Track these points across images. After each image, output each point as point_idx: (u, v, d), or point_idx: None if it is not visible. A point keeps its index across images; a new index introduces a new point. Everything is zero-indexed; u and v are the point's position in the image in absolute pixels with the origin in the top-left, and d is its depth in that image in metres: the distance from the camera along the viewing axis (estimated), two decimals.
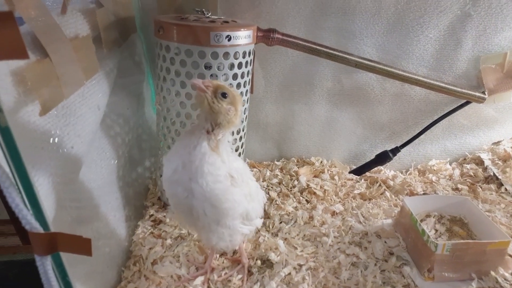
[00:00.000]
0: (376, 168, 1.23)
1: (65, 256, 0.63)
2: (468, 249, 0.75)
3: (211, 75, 0.85)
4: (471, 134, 1.24)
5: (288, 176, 1.16)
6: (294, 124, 1.23)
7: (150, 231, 0.94)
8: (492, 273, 0.76)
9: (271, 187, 1.10)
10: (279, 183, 1.12)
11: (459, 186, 1.10)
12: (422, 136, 1.21)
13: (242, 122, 0.96)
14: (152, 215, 0.98)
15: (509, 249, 0.82)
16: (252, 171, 1.18)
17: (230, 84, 0.88)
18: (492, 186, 1.07)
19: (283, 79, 1.15)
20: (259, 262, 0.86)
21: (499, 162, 1.14)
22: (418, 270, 0.80)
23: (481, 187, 1.08)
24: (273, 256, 0.86)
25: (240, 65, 0.88)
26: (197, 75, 0.84)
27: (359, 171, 1.22)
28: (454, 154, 1.25)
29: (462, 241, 0.76)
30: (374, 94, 1.16)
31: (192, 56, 0.83)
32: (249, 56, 0.90)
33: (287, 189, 1.09)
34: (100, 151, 0.85)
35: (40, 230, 0.55)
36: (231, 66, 0.86)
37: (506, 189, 1.05)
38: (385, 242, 0.88)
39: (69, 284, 0.65)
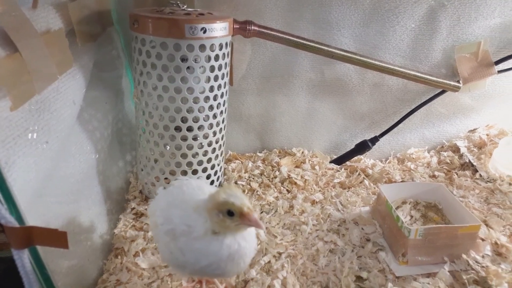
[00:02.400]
0: (356, 158, 1.25)
1: (45, 251, 0.64)
2: (440, 234, 0.78)
3: (188, 68, 0.86)
4: (449, 122, 1.26)
5: (270, 167, 1.17)
6: (275, 115, 1.24)
7: (131, 224, 0.95)
8: (464, 256, 0.79)
9: (253, 178, 1.11)
10: (261, 174, 1.14)
11: (436, 173, 1.13)
12: (401, 125, 1.24)
13: (222, 113, 0.97)
14: (133, 208, 0.99)
15: (480, 233, 0.85)
16: (235, 163, 1.19)
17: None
18: (467, 173, 1.10)
19: (263, 71, 1.16)
20: None
21: (475, 149, 1.17)
22: (393, 255, 0.82)
23: (457, 174, 1.10)
24: None
25: (217, 57, 0.88)
26: (173, 68, 0.85)
27: (339, 160, 1.24)
28: (432, 142, 1.28)
29: (434, 225, 0.78)
30: (353, 84, 1.18)
31: (168, 49, 0.83)
32: (226, 48, 0.91)
33: (269, 179, 1.11)
34: (78, 146, 0.85)
35: (15, 224, 0.56)
36: (208, 59, 0.87)
37: (480, 175, 1.08)
38: (362, 229, 0.90)
39: (47, 277, 0.66)
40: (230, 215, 0.59)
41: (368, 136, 1.23)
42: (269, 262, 0.84)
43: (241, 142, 1.27)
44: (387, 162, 1.24)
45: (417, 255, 0.79)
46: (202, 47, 0.85)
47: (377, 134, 1.21)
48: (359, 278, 0.79)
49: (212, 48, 0.87)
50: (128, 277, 0.82)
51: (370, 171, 1.16)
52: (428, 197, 0.94)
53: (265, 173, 1.13)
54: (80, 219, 0.83)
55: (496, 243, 0.83)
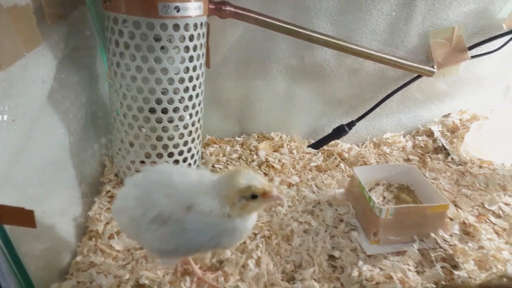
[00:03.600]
0: (333, 142, 1.26)
1: (16, 233, 0.63)
2: (410, 213, 0.80)
3: (162, 48, 0.85)
4: (424, 107, 1.28)
5: (248, 151, 1.17)
6: (254, 100, 1.24)
7: (107, 207, 0.94)
8: (432, 234, 0.81)
9: (230, 162, 1.11)
10: (239, 158, 1.14)
11: (410, 157, 1.15)
12: (377, 111, 1.25)
13: (198, 96, 0.96)
14: (109, 191, 0.98)
15: (449, 213, 0.88)
16: (213, 147, 1.19)
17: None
18: (440, 156, 1.13)
19: (241, 55, 1.15)
20: None
21: (448, 133, 1.19)
22: (365, 234, 0.84)
23: (430, 157, 1.13)
24: None
25: (191, 38, 0.87)
26: (146, 48, 0.83)
27: (317, 145, 1.25)
28: (408, 127, 1.30)
29: (404, 205, 0.80)
30: (330, 69, 1.18)
31: (140, 28, 0.82)
32: (201, 28, 0.89)
33: (246, 163, 1.11)
34: (49, 127, 0.84)
35: None
36: (182, 39, 0.86)
37: (452, 159, 1.10)
38: (336, 210, 0.92)
39: (16, 257, 0.65)
40: (254, 198, 0.62)
41: (345, 121, 1.24)
42: (244, 242, 0.85)
43: (220, 127, 1.27)
44: (363, 146, 1.25)
45: (388, 234, 0.81)
46: (176, 27, 0.84)
47: (354, 119, 1.22)
48: (331, 257, 0.81)
49: (186, 28, 0.85)
50: (102, 259, 0.81)
51: (346, 155, 1.18)
52: (400, 179, 0.96)
53: (243, 157, 1.14)
54: (52, 202, 0.82)
55: (464, 222, 0.85)
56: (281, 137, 1.25)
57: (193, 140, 0.99)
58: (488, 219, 0.87)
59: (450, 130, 1.20)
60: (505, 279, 0.73)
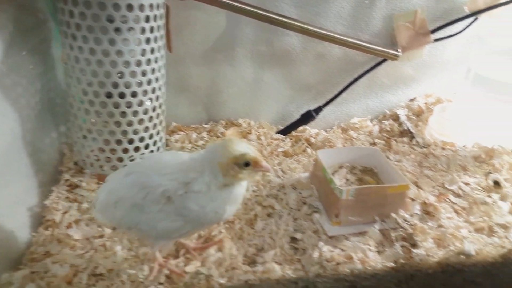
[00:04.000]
0: (302, 128, 1.25)
1: None
2: (370, 194, 0.80)
3: (116, 29, 0.82)
4: (391, 92, 1.29)
5: (215, 137, 1.15)
6: (221, 86, 1.22)
7: (65, 195, 0.91)
8: (393, 214, 0.81)
9: (196, 149, 1.09)
10: (205, 145, 1.12)
11: (376, 141, 1.15)
12: (345, 96, 1.25)
13: (158, 80, 0.93)
14: (67, 180, 0.94)
15: (410, 193, 0.88)
16: (179, 134, 1.17)
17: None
18: (405, 139, 1.14)
19: (205, 39, 1.13)
20: None
21: (413, 117, 1.20)
22: (327, 216, 0.84)
23: (395, 141, 1.14)
24: None
25: (147, 19, 0.85)
26: (99, 29, 0.80)
27: (285, 131, 1.24)
28: (375, 111, 1.30)
29: (364, 186, 0.80)
30: (296, 54, 1.17)
31: (92, 8, 0.79)
32: (157, 9, 0.87)
33: None
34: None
35: None
36: (137, 19, 0.83)
37: (417, 141, 1.11)
38: (300, 193, 0.91)
39: None
40: (246, 166, 0.65)
41: (314, 106, 1.24)
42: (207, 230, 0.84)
43: (187, 114, 1.24)
44: (331, 131, 1.25)
45: (349, 215, 0.81)
46: (130, 7, 0.81)
47: (321, 104, 1.22)
48: (293, 239, 0.80)
49: (141, 8, 0.83)
50: (59, 249, 0.79)
51: (313, 140, 1.17)
52: (364, 161, 0.96)
53: (209, 144, 1.12)
54: (5, 192, 0.79)
55: (425, 202, 0.86)
56: (249, 123, 1.24)
57: (154, 126, 0.97)
58: (448, 198, 0.88)
59: (415, 114, 1.21)
60: (462, 256, 0.74)
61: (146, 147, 0.96)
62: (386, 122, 1.23)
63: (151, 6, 0.84)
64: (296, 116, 1.25)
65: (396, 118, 1.24)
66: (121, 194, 0.69)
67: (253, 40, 1.14)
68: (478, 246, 0.76)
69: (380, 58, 1.18)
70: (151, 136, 0.97)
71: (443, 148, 1.06)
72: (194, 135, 1.15)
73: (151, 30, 0.87)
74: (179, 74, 1.17)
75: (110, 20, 0.80)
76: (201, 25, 1.10)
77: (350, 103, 1.29)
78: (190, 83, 1.20)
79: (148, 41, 0.87)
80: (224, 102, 1.24)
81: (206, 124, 1.24)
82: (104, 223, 0.82)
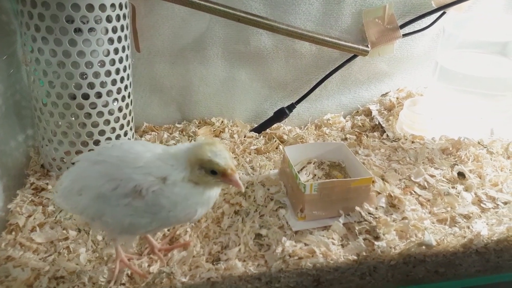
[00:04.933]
0: (276, 125, 1.26)
1: None
2: (334, 188, 0.80)
3: (76, 30, 0.81)
4: (364, 87, 1.30)
5: (187, 137, 1.15)
6: (194, 86, 1.21)
7: (30, 199, 0.90)
8: (357, 208, 0.82)
9: None
10: (176, 144, 1.11)
11: (348, 136, 1.16)
12: (319, 93, 1.26)
13: (123, 80, 0.93)
14: (33, 183, 0.94)
15: (376, 186, 0.89)
16: (150, 134, 1.16)
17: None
18: (376, 134, 1.14)
19: (174, 38, 1.12)
20: None
21: (385, 112, 1.21)
22: (293, 211, 0.84)
23: (366, 135, 1.14)
24: None
25: (109, 19, 0.84)
26: (59, 30, 0.80)
27: (259, 129, 1.24)
28: (348, 107, 1.31)
29: (327, 180, 0.80)
30: (267, 52, 1.18)
31: (50, 8, 0.78)
32: (120, 9, 0.87)
33: None
34: None
35: None
36: (98, 20, 0.82)
37: (387, 136, 1.12)
38: (268, 189, 0.91)
39: None
40: (213, 174, 0.63)
41: (288, 103, 1.24)
42: (173, 228, 0.83)
43: (160, 114, 1.24)
44: (305, 128, 1.26)
45: (313, 210, 0.81)
46: (90, 7, 0.80)
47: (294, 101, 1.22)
48: (259, 236, 0.80)
49: (102, 8, 0.82)
50: (21, 253, 0.78)
51: (286, 137, 1.18)
52: (332, 156, 0.97)
53: (180, 143, 1.11)
54: None
55: (390, 195, 0.87)
56: (222, 122, 1.24)
57: (121, 126, 0.96)
58: (413, 190, 0.89)
59: (387, 109, 1.22)
60: (423, 247, 0.75)
61: None
62: (359, 118, 1.24)
63: (113, 6, 0.84)
64: (271, 114, 1.26)
65: (368, 113, 1.25)
66: (87, 182, 0.67)
67: (224, 39, 1.14)
68: (440, 236, 0.77)
69: (351, 54, 1.18)
70: (118, 137, 0.96)
71: (412, 142, 1.07)
72: (165, 135, 1.14)
73: (114, 30, 0.86)
74: (150, 74, 1.17)
75: (70, 20, 0.80)
76: (170, 24, 1.10)
77: (324, 99, 1.29)
78: (162, 83, 1.19)
79: (111, 41, 0.86)
80: (197, 101, 1.24)
81: (179, 123, 1.24)
82: (65, 209, 0.81)
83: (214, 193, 0.68)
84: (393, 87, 1.31)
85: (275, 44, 1.17)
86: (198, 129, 1.19)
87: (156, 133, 1.17)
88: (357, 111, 1.29)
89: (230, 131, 1.21)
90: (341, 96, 1.30)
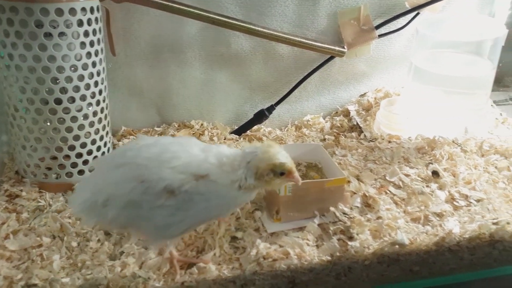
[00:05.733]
0: (256, 127, 1.26)
1: None
2: (308, 189, 0.80)
3: (46, 34, 0.80)
4: (343, 88, 1.30)
5: None
6: (173, 88, 1.21)
7: (4, 206, 0.89)
8: (332, 208, 0.82)
9: None
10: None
11: (327, 136, 1.17)
12: (298, 94, 1.26)
13: (98, 84, 0.92)
14: (7, 190, 0.92)
15: (352, 186, 0.90)
16: (128, 138, 1.16)
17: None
18: (354, 134, 1.15)
19: (150, 41, 1.12)
20: None
21: (363, 112, 1.22)
22: (269, 213, 0.84)
23: (345, 136, 1.15)
24: None
25: (80, 23, 0.83)
26: (28, 35, 0.79)
27: (239, 131, 1.24)
28: (328, 108, 1.32)
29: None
30: (245, 54, 1.18)
31: (19, 13, 0.77)
32: (92, 13, 0.86)
33: None
34: None
35: None
36: (69, 24, 0.82)
37: (365, 136, 1.13)
38: None
39: None
40: (281, 175, 0.67)
41: (268, 105, 1.24)
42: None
43: (139, 117, 1.23)
44: (285, 129, 1.26)
45: (289, 211, 0.82)
46: (59, 12, 0.80)
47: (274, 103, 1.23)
48: (234, 239, 0.80)
49: (72, 12, 0.81)
50: None
51: (265, 139, 1.18)
52: (309, 157, 0.97)
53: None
54: None
55: (365, 195, 0.87)
56: (202, 124, 1.24)
57: (97, 131, 0.95)
58: (388, 190, 0.90)
59: (365, 109, 1.23)
60: (397, 246, 0.76)
61: (89, 152, 0.95)
62: (337, 118, 1.25)
63: (83, 10, 0.83)
64: (251, 115, 1.26)
65: (347, 114, 1.26)
66: (112, 190, 0.64)
67: (201, 42, 1.14)
68: (413, 235, 0.78)
69: (328, 56, 1.19)
70: (93, 142, 0.95)
71: (389, 141, 1.08)
72: None
73: (86, 34, 0.85)
74: (128, 77, 1.16)
75: (39, 25, 0.79)
76: (147, 27, 1.10)
77: (304, 101, 1.30)
78: (141, 86, 1.19)
79: (83, 45, 0.85)
80: (176, 104, 1.24)
81: (158, 127, 1.23)
82: (89, 224, 0.77)
83: (250, 197, 0.70)
84: (371, 88, 1.32)
85: (253, 46, 1.17)
86: (177, 132, 1.19)
87: (134, 137, 1.16)
88: (336, 112, 1.30)
89: (210, 133, 1.21)
90: (321, 97, 1.31)
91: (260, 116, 1.23)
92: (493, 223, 0.79)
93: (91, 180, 0.69)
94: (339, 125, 1.21)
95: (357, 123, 1.19)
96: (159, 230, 0.66)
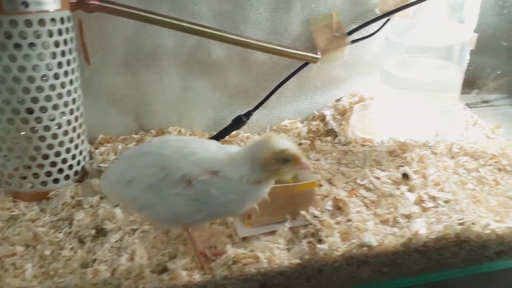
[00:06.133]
0: (235, 133, 1.27)
1: None
2: (278, 193, 0.81)
3: (16, 45, 0.81)
4: (319, 93, 1.32)
5: None
6: (150, 96, 1.21)
7: None
8: (302, 212, 0.84)
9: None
10: None
11: (303, 141, 1.18)
12: (276, 100, 1.28)
13: (70, 93, 0.93)
14: None
15: (323, 190, 0.91)
16: (105, 146, 1.16)
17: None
18: (329, 138, 1.17)
19: (125, 49, 1.13)
20: (93, 231, 0.86)
21: (338, 116, 1.24)
22: (241, 218, 0.85)
23: (320, 140, 1.17)
24: (108, 225, 0.86)
25: (50, 33, 0.84)
26: None
27: (218, 137, 1.25)
28: (305, 113, 1.33)
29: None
30: (220, 60, 1.19)
31: None
32: (62, 23, 0.87)
33: None
34: None
35: None
36: (38, 35, 0.82)
37: (340, 140, 1.15)
38: None
39: None
40: (286, 162, 0.68)
41: (246, 111, 1.25)
42: (121, 239, 0.83)
43: (117, 125, 1.23)
44: (263, 134, 1.27)
45: (261, 216, 0.82)
46: (28, 23, 0.80)
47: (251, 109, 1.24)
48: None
49: (41, 23, 0.82)
50: None
51: (243, 144, 1.19)
52: None
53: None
54: None
55: (336, 198, 0.89)
56: (179, 131, 1.25)
57: (71, 139, 0.96)
58: (358, 193, 0.91)
59: (340, 113, 1.25)
60: (365, 248, 0.77)
61: (64, 161, 0.96)
62: (314, 123, 1.26)
63: (53, 20, 0.84)
64: (230, 121, 1.27)
65: (323, 118, 1.28)
66: (136, 173, 0.71)
67: (176, 49, 1.15)
68: (381, 237, 0.79)
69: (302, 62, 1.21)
70: (68, 150, 0.96)
71: (362, 145, 1.10)
72: (120, 146, 1.14)
73: (57, 44, 0.86)
74: (106, 86, 1.17)
75: (9, 36, 0.80)
76: (122, 36, 1.10)
77: (282, 106, 1.32)
78: (119, 94, 1.19)
79: (54, 55, 0.86)
80: (155, 111, 1.24)
81: (136, 134, 1.24)
82: (113, 198, 0.86)
83: (265, 190, 0.73)
84: (347, 92, 1.34)
85: (229, 53, 1.18)
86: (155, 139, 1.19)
87: (112, 145, 1.16)
88: (313, 117, 1.32)
89: None
90: (298, 102, 1.32)
91: (238, 122, 1.24)
92: (459, 224, 0.80)
93: (120, 162, 0.77)
94: (315, 129, 1.23)
95: (333, 128, 1.21)
96: (174, 217, 0.71)
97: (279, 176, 0.72)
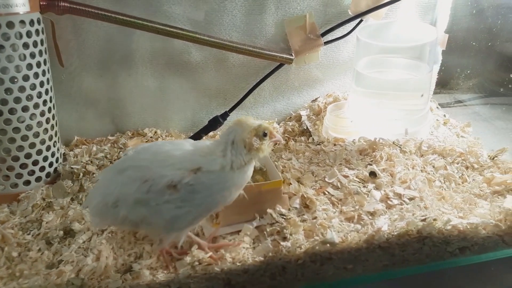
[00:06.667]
0: (212, 133, 1.28)
1: None
2: (246, 192, 0.82)
3: None
4: (296, 94, 1.34)
5: (116, 149, 1.16)
6: (126, 97, 1.22)
7: None
8: (269, 210, 0.85)
9: (91, 162, 1.08)
10: (105, 157, 1.12)
11: None
12: (254, 100, 1.29)
13: (41, 95, 0.93)
14: None
15: (291, 188, 0.92)
16: (80, 148, 1.16)
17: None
18: (303, 138, 1.19)
19: (101, 51, 1.13)
20: (61, 232, 0.86)
21: (313, 116, 1.26)
22: (209, 218, 0.86)
23: (295, 140, 1.18)
24: (76, 226, 0.87)
25: (19, 35, 0.85)
26: None
27: (195, 138, 1.26)
28: (282, 113, 1.35)
29: None
30: (195, 61, 1.20)
31: None
32: (32, 25, 0.87)
33: (110, 161, 1.10)
34: None
35: None
36: (6, 38, 0.83)
37: (313, 139, 1.16)
38: None
39: None
40: (265, 136, 0.73)
41: (223, 112, 1.26)
42: (89, 240, 0.84)
43: (93, 126, 1.24)
44: None
45: (228, 215, 0.84)
46: None
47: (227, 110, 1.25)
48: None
49: (10, 25, 0.83)
50: None
51: None
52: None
53: (108, 156, 1.12)
54: None
55: (303, 196, 0.90)
56: (155, 132, 1.25)
57: (43, 141, 0.96)
58: (326, 191, 0.93)
59: (315, 114, 1.26)
60: (328, 245, 0.78)
61: (35, 163, 0.96)
62: (290, 123, 1.28)
63: (22, 22, 0.85)
64: (207, 122, 1.28)
65: (299, 118, 1.29)
66: (120, 191, 0.70)
67: (147, 48, 1.16)
68: (344, 233, 0.81)
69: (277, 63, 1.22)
70: (39, 152, 0.96)
71: (334, 144, 1.12)
72: (94, 148, 1.15)
73: (26, 46, 0.87)
74: (82, 88, 1.17)
75: None
76: (96, 38, 1.11)
77: (259, 106, 1.33)
78: (95, 96, 1.20)
79: (23, 57, 0.87)
80: (131, 113, 1.25)
81: (112, 136, 1.24)
82: (104, 225, 0.83)
83: (248, 175, 0.75)
84: (323, 93, 1.35)
85: (202, 54, 1.19)
86: (130, 140, 1.20)
87: (86, 147, 1.17)
88: (290, 117, 1.33)
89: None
90: (275, 102, 1.34)
91: (215, 123, 1.25)
92: (421, 220, 0.82)
93: (100, 185, 0.76)
94: (291, 130, 1.24)
95: (307, 127, 1.22)
96: (169, 224, 0.71)
97: (262, 153, 0.74)
